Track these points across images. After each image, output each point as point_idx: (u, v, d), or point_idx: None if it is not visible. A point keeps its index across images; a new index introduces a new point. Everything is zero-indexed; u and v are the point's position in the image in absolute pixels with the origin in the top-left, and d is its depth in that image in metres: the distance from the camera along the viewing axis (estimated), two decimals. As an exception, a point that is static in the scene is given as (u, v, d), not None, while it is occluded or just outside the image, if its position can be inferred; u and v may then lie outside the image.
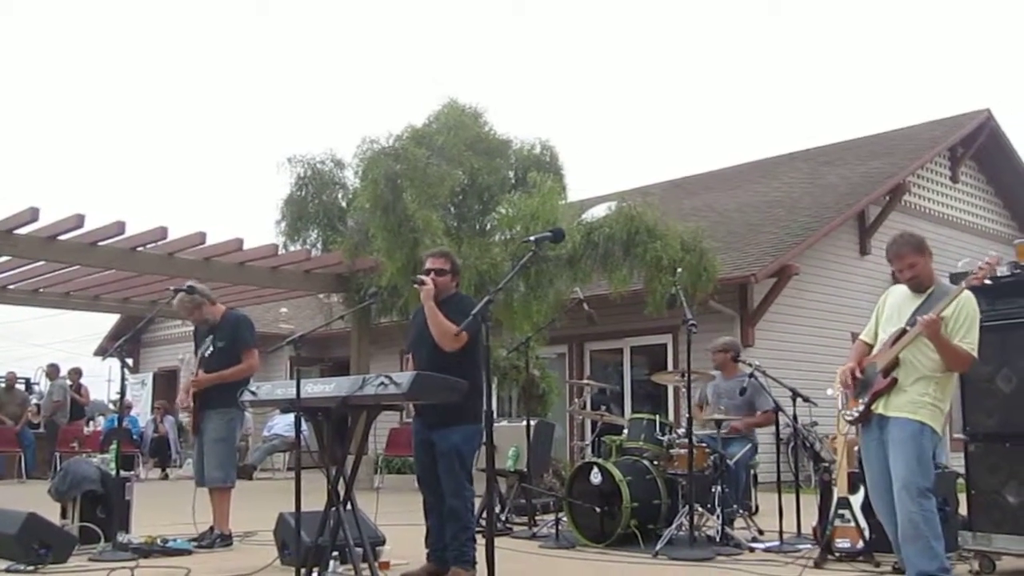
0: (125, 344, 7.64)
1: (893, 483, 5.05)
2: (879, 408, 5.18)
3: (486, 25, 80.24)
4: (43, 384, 18.73)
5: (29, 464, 16.31)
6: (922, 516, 4.91)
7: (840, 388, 5.43)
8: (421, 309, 5.80)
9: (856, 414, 5.28)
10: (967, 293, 5.14)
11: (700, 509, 7.36)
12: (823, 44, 78.07)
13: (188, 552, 6.98)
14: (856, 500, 6.41)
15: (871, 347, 5.43)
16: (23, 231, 11.48)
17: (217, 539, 7.26)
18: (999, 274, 6.05)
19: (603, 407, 11.50)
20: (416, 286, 5.76)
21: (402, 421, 15.16)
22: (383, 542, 6.37)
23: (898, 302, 5.36)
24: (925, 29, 73.76)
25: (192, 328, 7.95)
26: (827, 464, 7.58)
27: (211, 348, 7.46)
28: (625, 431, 8.26)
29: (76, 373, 17.98)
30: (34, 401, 18.09)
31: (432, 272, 5.78)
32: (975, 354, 5.08)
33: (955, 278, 5.79)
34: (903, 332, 5.15)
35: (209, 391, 7.38)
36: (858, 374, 5.31)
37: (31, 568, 6.16)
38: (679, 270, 10.32)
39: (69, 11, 70.45)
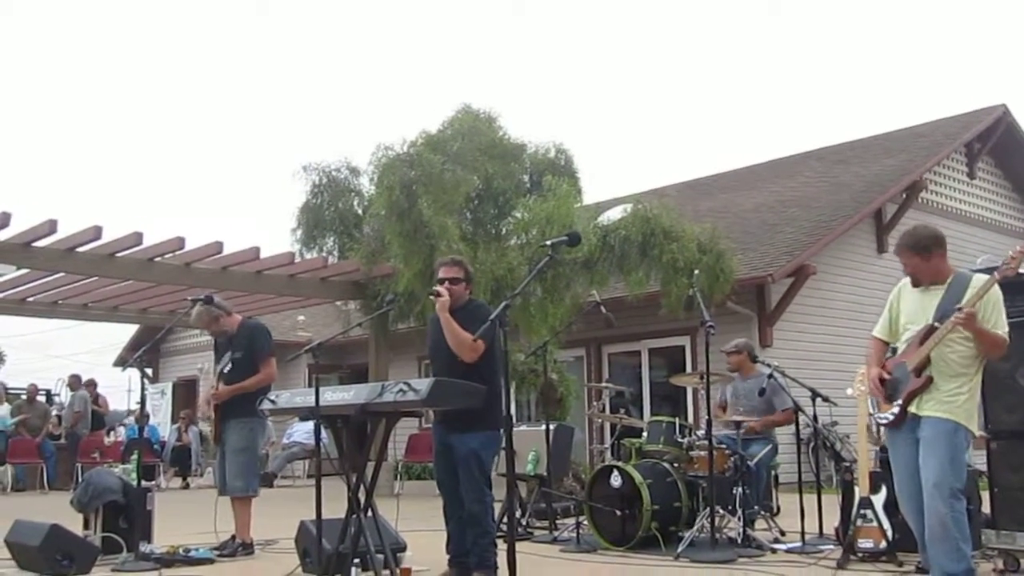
0: (144, 354, 7.68)
1: (923, 482, 4.97)
2: (913, 408, 5.10)
3: (500, 30, 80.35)
4: (64, 395, 18.83)
5: (51, 475, 16.40)
6: (952, 517, 4.85)
7: (861, 390, 5.37)
8: (436, 315, 5.80)
9: (891, 417, 5.19)
10: (985, 277, 5.11)
11: (721, 511, 7.32)
12: (837, 42, 77.86)
13: (210, 561, 7.00)
14: (878, 500, 6.38)
15: (886, 344, 5.39)
16: (41, 243, 11.55)
17: (239, 548, 7.27)
18: (1020, 270, 6.03)
19: (622, 410, 11.48)
20: (432, 298, 5.75)
21: (421, 426, 15.18)
22: (404, 548, 6.37)
23: (917, 297, 5.27)
24: (940, 25, 73.49)
25: (212, 339, 7.98)
26: (848, 464, 7.53)
27: (230, 364, 7.48)
28: (644, 434, 8.23)
29: (92, 385, 18.04)
30: (55, 412, 18.18)
31: (446, 281, 5.77)
32: (1007, 337, 5.05)
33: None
34: (932, 329, 5.06)
35: (230, 401, 7.40)
36: (886, 376, 5.23)
37: (55, 579, 6.18)
38: (696, 272, 10.29)
39: (89, 24, 70.88)
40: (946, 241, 5.31)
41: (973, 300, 4.95)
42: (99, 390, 18.19)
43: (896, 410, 5.15)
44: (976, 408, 5.10)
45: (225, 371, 7.48)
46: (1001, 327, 5.02)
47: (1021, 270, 5.90)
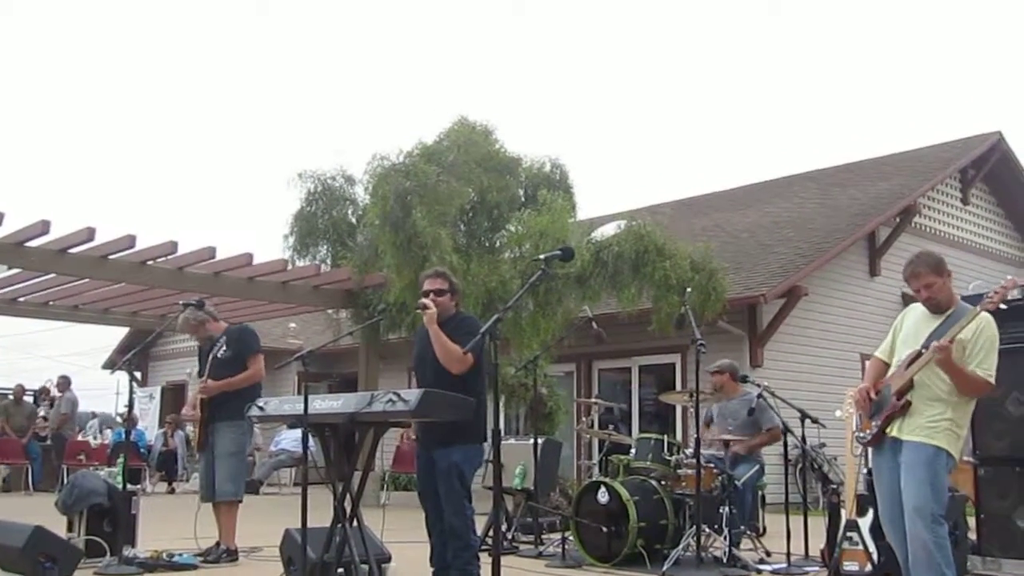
0: (134, 358, 7.67)
1: (904, 507, 4.97)
2: (893, 431, 5.09)
3: (497, 43, 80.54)
4: (55, 395, 18.76)
5: (36, 476, 16.34)
6: (935, 543, 4.83)
7: (853, 408, 5.36)
8: (423, 327, 5.80)
9: (868, 436, 5.20)
10: (986, 316, 5.06)
11: (707, 530, 7.33)
12: (834, 65, 78.14)
13: (194, 567, 6.98)
14: (865, 523, 6.37)
15: (887, 365, 5.36)
16: (34, 244, 11.53)
17: (223, 554, 7.25)
18: (1010, 297, 6.04)
19: (611, 426, 11.46)
20: (419, 311, 5.74)
21: (404, 439, 15.14)
22: (389, 559, 6.36)
23: (916, 322, 5.26)
24: (936, 51, 73.82)
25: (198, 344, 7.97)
26: (835, 486, 7.54)
27: (221, 351, 7.47)
28: (632, 451, 8.23)
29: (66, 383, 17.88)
30: (41, 413, 18.12)
31: (431, 294, 5.76)
32: (992, 380, 4.97)
33: (967, 301, 5.75)
34: (919, 354, 5.06)
35: (218, 403, 7.39)
36: (873, 395, 5.22)
37: (36, 581, 6.15)
38: (688, 290, 10.30)
39: (81, 26, 70.88)
40: None
41: (954, 332, 4.93)
42: (88, 392, 18.14)
43: (874, 429, 5.15)
44: (962, 436, 5.05)
45: (217, 357, 7.46)
46: (986, 368, 4.96)
47: (1012, 296, 5.93)
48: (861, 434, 5.28)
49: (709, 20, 71.56)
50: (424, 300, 5.71)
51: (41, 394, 19.60)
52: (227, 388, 7.34)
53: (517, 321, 11.65)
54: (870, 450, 5.37)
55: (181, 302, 7.77)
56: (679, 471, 7.72)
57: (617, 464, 8.15)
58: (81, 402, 18.29)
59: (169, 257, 12.28)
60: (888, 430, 5.10)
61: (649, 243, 11.89)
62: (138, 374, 24.49)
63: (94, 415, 18.79)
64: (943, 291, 5.13)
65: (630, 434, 11.83)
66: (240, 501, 7.41)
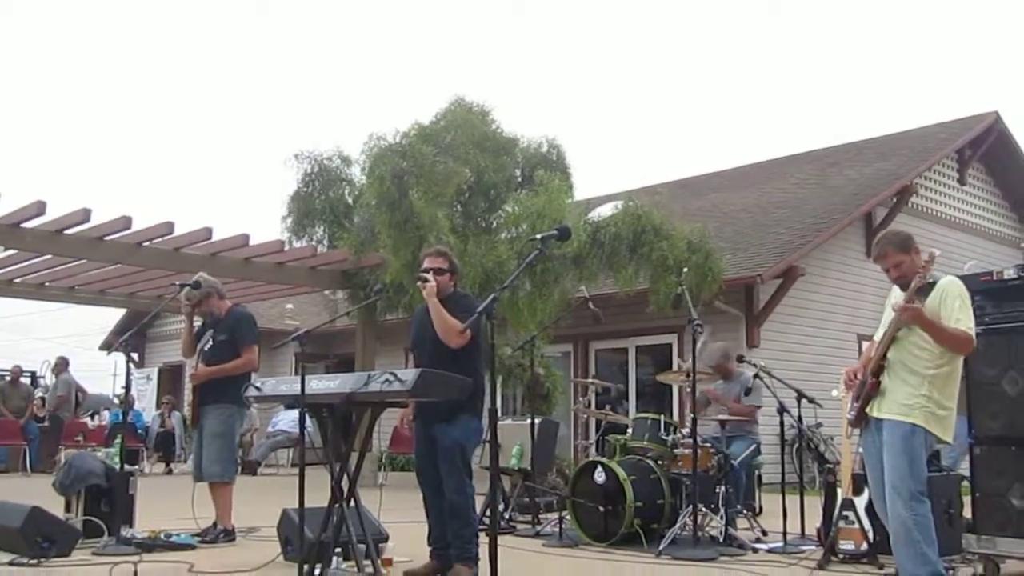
0: (130, 339, 7.66)
1: (885, 486, 4.97)
2: (873, 411, 5.08)
3: (493, 23, 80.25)
4: (49, 378, 18.77)
5: (33, 458, 16.35)
6: (914, 520, 4.81)
7: (845, 390, 5.36)
8: (422, 308, 5.79)
9: (852, 416, 5.21)
10: (948, 278, 5.07)
11: (704, 509, 7.35)
12: (831, 45, 77.96)
13: (191, 547, 6.99)
14: (860, 502, 6.40)
15: None
16: (30, 225, 11.49)
17: (220, 534, 7.26)
18: (1006, 276, 6.04)
19: (607, 406, 11.49)
20: (419, 284, 5.74)
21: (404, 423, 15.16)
22: (386, 539, 6.37)
23: (892, 302, 5.23)
24: (933, 31, 73.65)
25: (199, 322, 7.95)
26: (831, 465, 7.57)
27: (211, 341, 7.49)
28: (629, 430, 8.25)
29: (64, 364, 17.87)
30: (39, 395, 18.12)
31: (431, 271, 5.76)
32: (972, 334, 4.91)
33: (963, 280, 5.74)
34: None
35: (208, 386, 7.41)
36: (859, 375, 5.20)
37: (34, 561, 6.16)
38: (685, 270, 10.31)
39: (77, 7, 70.56)
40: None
41: (911, 293, 4.88)
42: (84, 373, 18.13)
43: (855, 410, 5.15)
44: (947, 411, 4.95)
45: (206, 348, 7.47)
46: (964, 322, 4.89)
47: (1008, 275, 5.94)
48: (849, 415, 5.28)
49: (706, 1, 71.33)
50: (424, 274, 5.71)
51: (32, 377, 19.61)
52: (217, 375, 7.36)
53: (514, 301, 11.66)
54: (861, 430, 5.35)
55: (178, 283, 7.75)
56: (676, 451, 7.73)
57: (614, 444, 8.16)
58: (81, 384, 18.27)
59: (165, 238, 12.25)
60: (868, 409, 5.09)
61: (646, 223, 11.89)
62: (135, 355, 24.47)
63: (116, 398, 18.58)
64: (912, 268, 5.05)
65: (627, 414, 11.83)
66: (230, 482, 7.41)
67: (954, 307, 4.92)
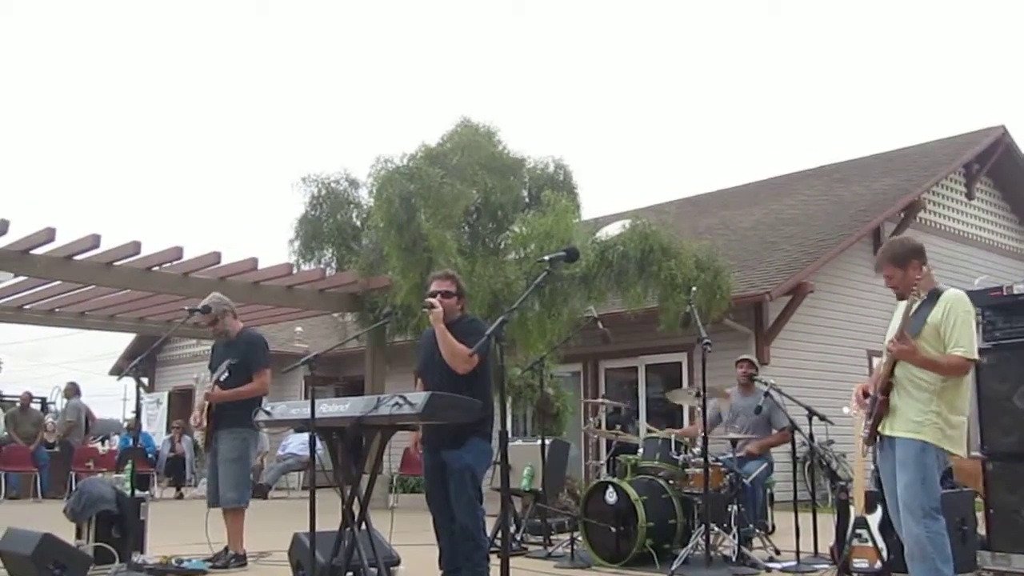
0: (140, 363, 7.67)
1: (899, 504, 4.93)
2: (884, 429, 5.03)
3: (499, 45, 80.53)
4: (59, 403, 18.79)
5: (44, 484, 16.36)
6: (928, 537, 4.77)
7: (856, 407, 5.32)
8: (429, 331, 5.79)
9: (865, 434, 5.15)
10: (954, 292, 4.96)
11: (716, 529, 7.32)
12: (838, 62, 78.06)
13: (203, 572, 6.98)
14: (874, 520, 6.36)
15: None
16: (40, 251, 11.55)
17: (232, 559, 7.25)
18: (1016, 291, 6.03)
19: (618, 426, 11.46)
20: (425, 311, 5.73)
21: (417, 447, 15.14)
22: (398, 562, 6.36)
23: (898, 313, 5.13)
24: (940, 47, 73.72)
25: (208, 350, 7.96)
26: (844, 483, 7.53)
27: (227, 372, 7.46)
28: (640, 450, 8.23)
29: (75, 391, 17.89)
30: (48, 420, 18.14)
31: (438, 295, 5.75)
32: (972, 356, 4.82)
33: (971, 296, 5.71)
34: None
35: (223, 411, 7.39)
36: (870, 392, 5.15)
37: (46, 588, 6.16)
38: (694, 289, 10.29)
39: (91, 33, 70.99)
40: (924, 252, 5.11)
41: (904, 326, 4.81)
42: (95, 398, 18.14)
43: (867, 429, 5.09)
44: (955, 427, 4.87)
45: (221, 379, 7.47)
46: (963, 347, 4.80)
47: (1019, 290, 5.92)
48: (863, 433, 5.21)
49: (712, 19, 71.49)
50: (430, 299, 5.70)
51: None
52: (231, 398, 7.35)
53: (523, 322, 11.65)
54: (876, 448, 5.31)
55: (187, 308, 7.76)
56: (687, 470, 7.71)
57: (625, 464, 8.14)
58: (91, 409, 18.27)
59: (174, 263, 12.29)
60: (880, 428, 5.03)
61: (654, 242, 11.89)
62: (145, 380, 24.49)
63: (126, 423, 18.62)
64: (905, 282, 4.96)
65: (637, 433, 11.80)
66: (245, 507, 7.40)
67: (953, 326, 4.83)
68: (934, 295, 4.95)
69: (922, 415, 4.86)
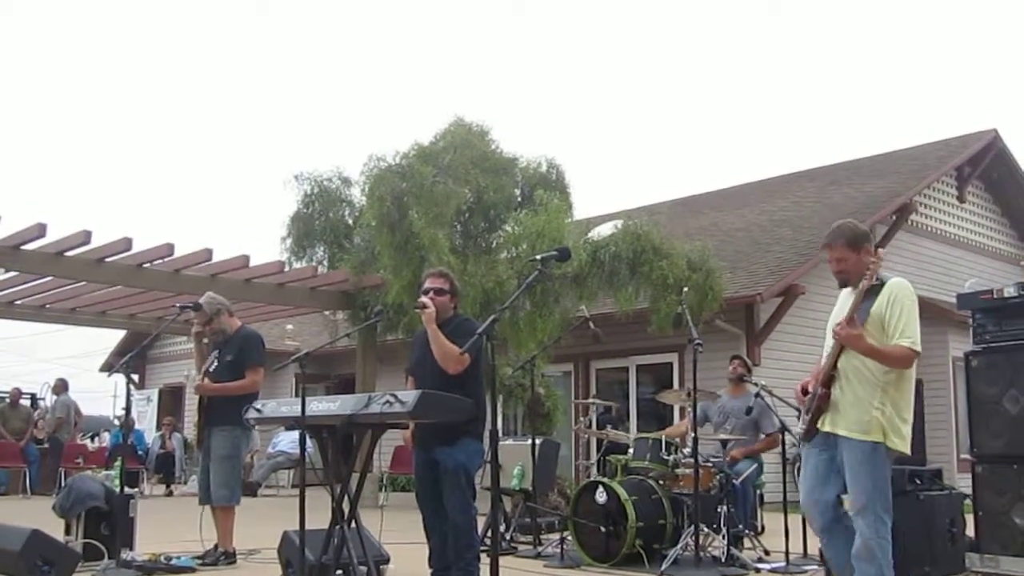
0: (131, 360, 7.65)
1: (850, 507, 4.70)
2: (824, 425, 4.74)
3: (493, 43, 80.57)
4: (48, 399, 18.76)
5: (33, 480, 16.32)
6: (877, 543, 4.59)
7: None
8: (422, 330, 5.78)
9: (802, 431, 4.90)
10: (898, 281, 4.71)
11: (706, 529, 7.32)
12: (830, 64, 78.21)
13: (192, 570, 6.97)
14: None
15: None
16: (30, 247, 11.50)
17: (221, 557, 7.24)
18: (1007, 294, 6.04)
19: (608, 426, 11.46)
20: (417, 311, 5.73)
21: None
22: (387, 560, 6.36)
23: (841, 302, 4.88)
24: (932, 50, 73.91)
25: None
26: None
27: (216, 363, 7.47)
28: (630, 450, 8.23)
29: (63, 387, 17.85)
30: (38, 416, 18.10)
31: (431, 292, 5.75)
32: (916, 347, 4.55)
33: (961, 299, 5.73)
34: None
35: (214, 408, 7.37)
36: (809, 388, 4.89)
37: (34, 585, 6.14)
38: (685, 289, 10.31)
39: (78, 27, 70.83)
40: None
41: (853, 311, 4.58)
42: (85, 395, 18.11)
43: (805, 423, 4.84)
44: (903, 421, 4.63)
45: (211, 369, 7.45)
46: (909, 337, 4.56)
47: (1008, 293, 5.93)
48: (799, 430, 4.96)
49: (706, 19, 71.60)
50: (423, 299, 5.70)
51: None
52: (221, 392, 7.33)
53: (514, 321, 11.65)
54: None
55: (178, 305, 7.74)
56: (677, 470, 7.72)
57: (615, 464, 8.14)
58: (81, 405, 18.25)
59: (165, 259, 12.26)
60: (820, 424, 4.77)
61: (646, 243, 11.90)
62: (135, 376, 24.45)
63: (116, 420, 18.59)
64: (856, 267, 4.73)
65: (628, 433, 11.81)
66: (236, 505, 7.39)
67: (899, 317, 4.60)
68: (876, 285, 4.71)
69: (868, 413, 4.61)
